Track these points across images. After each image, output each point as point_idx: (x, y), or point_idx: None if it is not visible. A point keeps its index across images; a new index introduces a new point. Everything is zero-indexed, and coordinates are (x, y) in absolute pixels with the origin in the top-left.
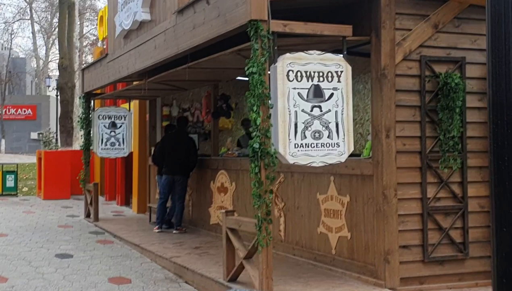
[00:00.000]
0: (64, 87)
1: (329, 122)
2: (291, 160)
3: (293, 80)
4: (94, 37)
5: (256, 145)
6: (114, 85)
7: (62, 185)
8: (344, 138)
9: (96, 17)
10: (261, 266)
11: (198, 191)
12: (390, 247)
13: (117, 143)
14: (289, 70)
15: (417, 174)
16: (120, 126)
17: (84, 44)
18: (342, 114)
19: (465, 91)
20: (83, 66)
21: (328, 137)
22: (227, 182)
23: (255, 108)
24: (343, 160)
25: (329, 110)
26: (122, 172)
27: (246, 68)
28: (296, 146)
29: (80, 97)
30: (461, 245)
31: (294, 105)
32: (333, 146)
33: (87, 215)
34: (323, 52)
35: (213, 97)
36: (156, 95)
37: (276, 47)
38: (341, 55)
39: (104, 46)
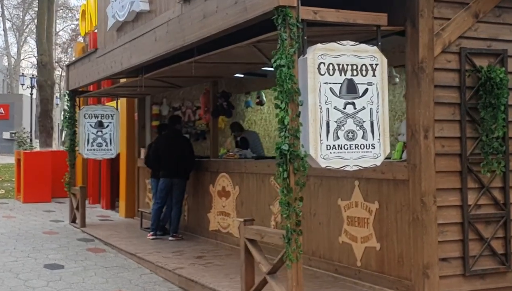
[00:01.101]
0: (44, 85)
1: (364, 121)
2: (322, 164)
3: (324, 74)
4: (70, 35)
5: (285, 147)
6: (98, 83)
7: (43, 187)
8: (379, 139)
9: (69, 15)
10: (290, 283)
11: (194, 195)
12: (429, 260)
13: (104, 144)
14: (320, 63)
15: (457, 178)
16: (107, 125)
17: (58, 42)
18: (377, 112)
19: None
20: (67, 62)
21: (362, 138)
22: (229, 185)
23: (283, 105)
24: (378, 163)
25: (364, 108)
26: (107, 174)
27: (273, 60)
28: (328, 147)
29: (64, 95)
30: (503, 257)
31: (325, 102)
32: (367, 147)
33: (73, 220)
34: (357, 43)
35: (212, 95)
36: (147, 93)
37: (305, 37)
38: (375, 47)
39: (87, 43)
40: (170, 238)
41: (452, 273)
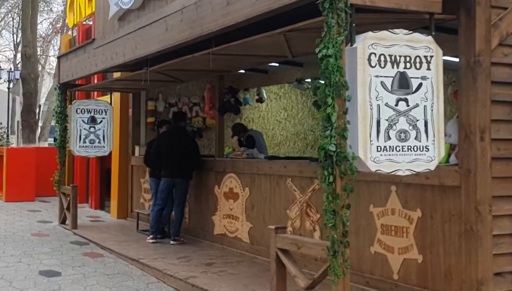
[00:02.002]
0: (27, 78)
1: (417, 120)
2: (372, 167)
3: (375, 66)
4: (47, 29)
5: (332, 147)
6: (87, 78)
7: (26, 185)
8: (434, 141)
9: (46, 8)
10: None
11: (197, 196)
12: (484, 275)
13: (97, 141)
14: (371, 53)
15: None
16: (101, 121)
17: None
18: (432, 110)
19: None
20: (59, 54)
21: (415, 139)
22: (238, 187)
23: (329, 101)
24: (432, 168)
25: (417, 105)
26: (96, 171)
27: (317, 50)
28: (379, 149)
29: (55, 88)
30: None
31: (376, 98)
32: (421, 149)
33: (62, 221)
34: (410, 32)
35: (218, 90)
36: (143, 88)
37: (354, 24)
38: (430, 37)
39: (75, 34)
40: (172, 242)
41: (506, 289)
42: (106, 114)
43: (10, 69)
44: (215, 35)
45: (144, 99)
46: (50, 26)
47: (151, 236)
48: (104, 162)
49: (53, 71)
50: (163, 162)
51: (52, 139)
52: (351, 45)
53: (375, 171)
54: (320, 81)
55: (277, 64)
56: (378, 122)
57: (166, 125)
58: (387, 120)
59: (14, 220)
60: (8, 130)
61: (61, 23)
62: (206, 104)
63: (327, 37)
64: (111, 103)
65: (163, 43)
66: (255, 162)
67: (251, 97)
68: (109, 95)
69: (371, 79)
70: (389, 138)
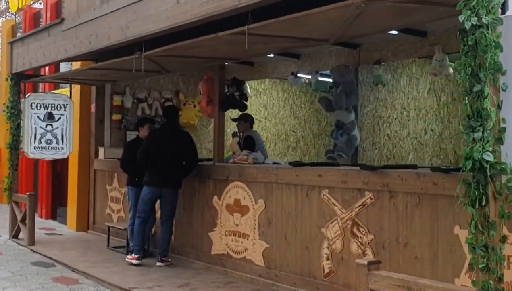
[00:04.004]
0: None
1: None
2: None
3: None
4: None
5: (488, 157)
6: (37, 69)
7: None
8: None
9: None
10: None
11: (188, 208)
12: None
13: (55, 141)
14: None
15: None
16: (59, 118)
17: None
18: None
19: None
20: (11, 39)
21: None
22: (248, 198)
23: (486, 90)
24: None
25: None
26: (47, 176)
27: (461, 18)
28: None
29: (6, 79)
30: None
31: None
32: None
33: (15, 235)
34: None
35: (218, 83)
36: (110, 80)
37: None
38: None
39: (18, 20)
40: (159, 264)
41: None
42: (65, 110)
43: None
44: (251, 9)
45: (109, 94)
46: None
47: (135, 255)
48: (55, 164)
49: None
50: (151, 167)
51: None
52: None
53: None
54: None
55: (271, 55)
56: None
57: (149, 125)
58: None
59: None
60: None
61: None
62: (202, 99)
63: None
64: (70, 98)
65: (172, 20)
66: (273, 169)
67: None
68: (68, 89)
69: None
70: None
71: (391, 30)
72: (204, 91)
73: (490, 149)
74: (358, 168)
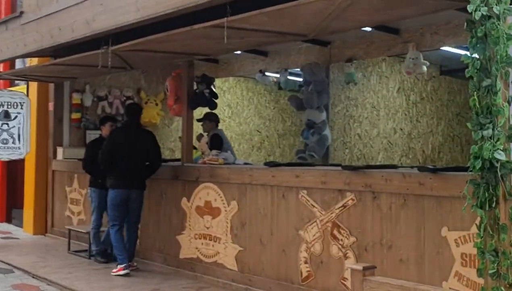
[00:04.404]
0: None
1: None
2: None
3: None
4: None
5: (500, 155)
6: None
7: None
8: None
9: None
10: None
11: (153, 210)
12: None
13: (11, 141)
14: None
15: None
16: (16, 117)
17: None
18: None
19: None
20: None
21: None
22: (220, 200)
23: (497, 85)
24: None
25: None
26: (2, 177)
27: (470, 8)
28: None
29: None
30: None
31: None
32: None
33: None
34: None
35: (186, 80)
36: (70, 77)
37: None
38: None
39: None
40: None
41: None
42: (22, 108)
43: None
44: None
45: (68, 91)
46: None
47: (120, 265)
48: (10, 164)
49: None
50: (118, 168)
51: None
52: None
53: None
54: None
55: (238, 52)
56: None
57: (110, 123)
58: None
59: None
60: None
61: None
62: (169, 96)
63: None
64: (27, 95)
65: (143, 12)
66: (247, 169)
67: None
68: (24, 86)
69: None
70: None
71: (375, 25)
72: (172, 88)
73: (502, 147)
74: (339, 168)
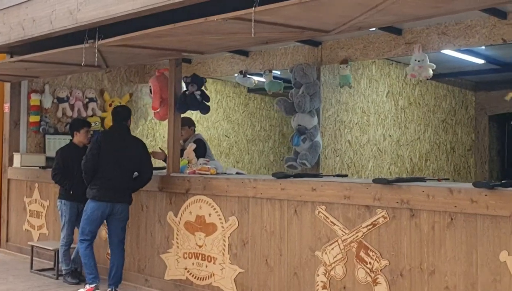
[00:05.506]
0: None
1: None
2: None
3: None
4: None
5: None
6: None
7: None
8: None
9: None
10: None
11: (131, 225)
12: None
13: None
14: None
15: None
16: None
17: None
18: None
19: None
20: None
21: None
22: (215, 215)
23: None
24: None
25: None
26: None
27: None
28: None
29: None
30: None
31: None
32: None
33: None
34: None
35: (173, 80)
36: (30, 76)
37: None
38: None
39: None
40: None
41: None
42: None
43: None
44: None
45: (26, 92)
46: None
47: (90, 285)
48: None
49: None
50: (98, 179)
51: None
52: None
53: None
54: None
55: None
56: None
57: (87, 129)
58: None
59: None
60: None
61: None
62: (154, 99)
63: None
64: None
65: (143, 1)
66: (250, 181)
67: None
68: None
69: None
70: None
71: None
72: (156, 90)
73: None
74: (369, 181)
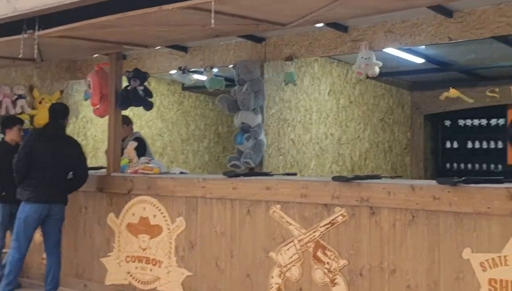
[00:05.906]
0: None
1: None
2: None
3: None
4: None
5: None
6: None
7: None
8: None
9: None
10: None
11: (68, 227)
12: None
13: None
14: None
15: None
16: None
17: None
18: None
19: None
20: None
21: None
22: (161, 216)
23: None
24: None
25: None
26: None
27: None
28: None
29: None
30: None
31: None
32: None
33: None
34: None
35: (114, 75)
36: None
37: None
38: None
39: None
40: None
41: None
42: None
43: None
44: None
45: None
46: None
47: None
48: None
49: None
50: (32, 179)
51: None
52: None
53: None
54: None
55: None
56: None
57: (19, 127)
58: None
59: None
60: None
61: None
62: (93, 94)
63: None
64: None
65: None
66: (199, 181)
67: None
68: None
69: None
70: None
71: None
72: (96, 85)
73: None
74: (328, 179)
